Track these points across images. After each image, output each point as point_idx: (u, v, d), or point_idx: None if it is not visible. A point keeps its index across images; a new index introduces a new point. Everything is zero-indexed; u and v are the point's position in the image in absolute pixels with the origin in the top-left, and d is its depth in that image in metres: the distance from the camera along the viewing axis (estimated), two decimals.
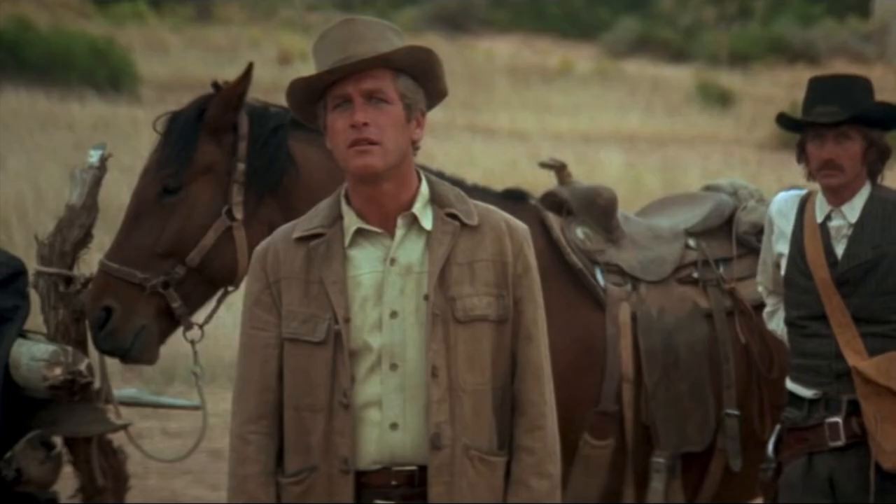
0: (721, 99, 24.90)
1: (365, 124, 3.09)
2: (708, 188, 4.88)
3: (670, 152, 18.76)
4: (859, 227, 4.06)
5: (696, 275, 4.51)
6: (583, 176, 5.02)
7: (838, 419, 4.01)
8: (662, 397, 4.36)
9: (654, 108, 24.02)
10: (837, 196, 4.09)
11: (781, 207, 4.20)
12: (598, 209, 4.53)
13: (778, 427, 4.19)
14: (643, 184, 15.02)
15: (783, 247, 4.17)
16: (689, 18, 37.08)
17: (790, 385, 4.13)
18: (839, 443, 4.01)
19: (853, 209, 4.08)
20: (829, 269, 4.05)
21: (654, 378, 4.36)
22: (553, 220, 4.49)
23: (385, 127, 3.10)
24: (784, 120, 4.14)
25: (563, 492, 4.33)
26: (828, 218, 4.10)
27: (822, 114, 4.02)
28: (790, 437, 4.11)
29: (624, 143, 19.77)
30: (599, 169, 15.58)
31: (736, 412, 4.42)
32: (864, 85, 4.09)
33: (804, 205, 4.16)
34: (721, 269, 4.52)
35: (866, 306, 4.02)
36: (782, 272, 4.17)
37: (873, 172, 4.09)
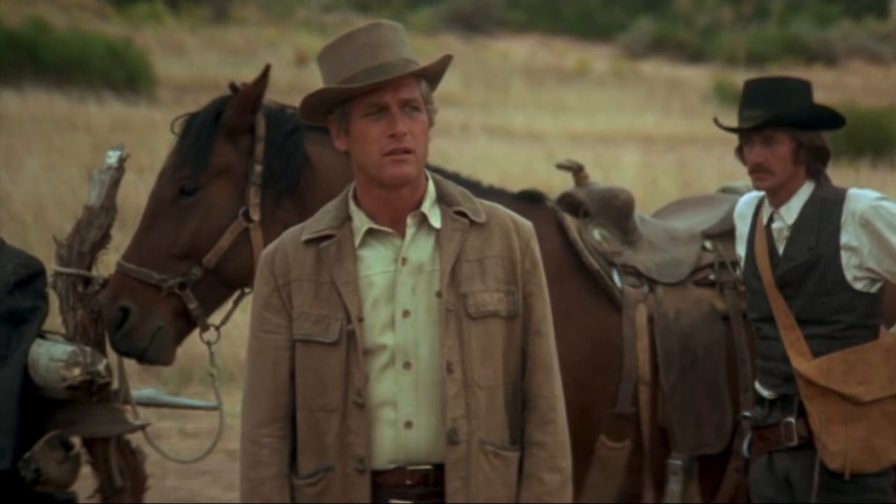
0: (738, 100, 24.82)
1: (404, 134, 3.12)
2: (724, 190, 4.88)
3: (687, 153, 18.73)
4: (796, 228, 4.10)
5: (712, 277, 4.51)
6: (599, 177, 5.02)
7: (792, 419, 4.07)
8: (679, 399, 4.36)
9: (670, 109, 23.99)
10: (775, 197, 4.14)
11: (742, 210, 4.28)
12: (615, 211, 4.53)
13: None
14: (659, 184, 15.00)
15: (741, 249, 4.24)
16: (705, 19, 37.04)
17: (756, 385, 4.20)
18: (793, 443, 4.07)
19: (790, 211, 4.11)
20: (773, 271, 4.08)
21: (671, 380, 4.36)
22: (570, 221, 4.49)
23: (418, 135, 3.15)
24: (718, 124, 4.22)
25: (580, 493, 4.35)
26: (771, 219, 4.15)
27: (746, 118, 4.10)
28: (755, 435, 4.19)
29: (640, 143, 19.75)
30: (616, 170, 15.57)
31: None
32: (793, 86, 4.13)
33: (759, 207, 4.19)
34: (737, 272, 4.51)
35: (808, 307, 4.06)
36: (740, 274, 4.25)
37: (814, 172, 4.11)
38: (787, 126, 4.06)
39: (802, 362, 4.03)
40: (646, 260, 4.48)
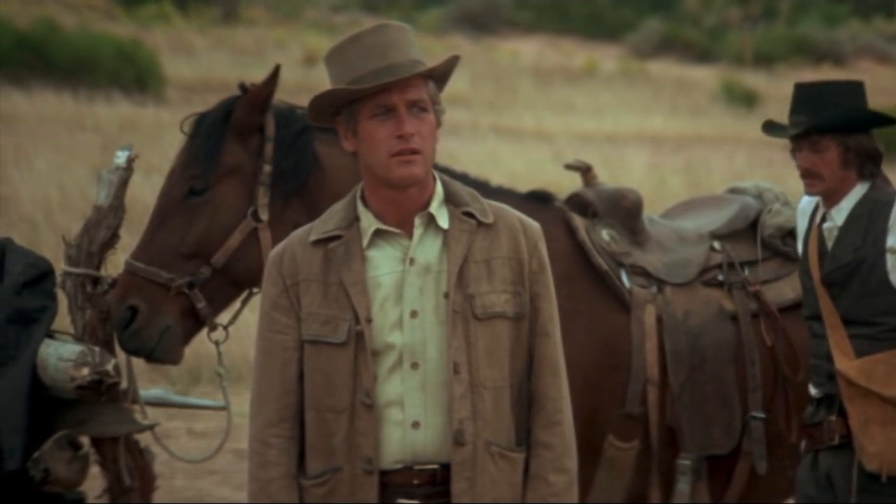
0: (746, 99, 24.85)
1: (412, 135, 3.12)
2: (733, 191, 4.88)
3: (695, 153, 18.73)
4: (844, 229, 4.10)
5: (721, 277, 4.51)
6: (607, 177, 5.02)
7: (835, 418, 4.07)
8: (688, 399, 4.36)
9: (678, 109, 23.98)
10: (827, 199, 4.14)
11: (803, 207, 4.29)
12: (624, 211, 4.53)
13: None
14: (668, 184, 15.00)
15: (801, 246, 4.23)
16: (713, 19, 37.02)
17: (809, 384, 4.19)
18: (834, 441, 4.07)
19: (840, 212, 4.11)
20: (820, 271, 4.08)
21: (679, 380, 4.36)
22: (578, 221, 4.50)
23: (426, 136, 3.15)
24: (765, 129, 4.22)
25: (587, 493, 4.36)
26: (823, 219, 4.15)
27: (793, 124, 4.10)
28: (805, 433, 4.19)
29: (648, 143, 19.75)
30: (624, 170, 15.57)
31: (762, 415, 4.41)
32: (840, 90, 4.11)
33: (818, 205, 4.20)
34: (746, 272, 4.51)
35: (853, 308, 4.05)
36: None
37: (867, 174, 4.10)
38: (837, 130, 4.05)
39: (845, 362, 4.02)
40: (654, 260, 4.48)
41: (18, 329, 4.08)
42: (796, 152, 4.12)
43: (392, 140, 3.14)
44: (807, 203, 4.26)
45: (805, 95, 4.10)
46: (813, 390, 4.14)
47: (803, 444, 4.23)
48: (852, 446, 4.04)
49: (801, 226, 4.25)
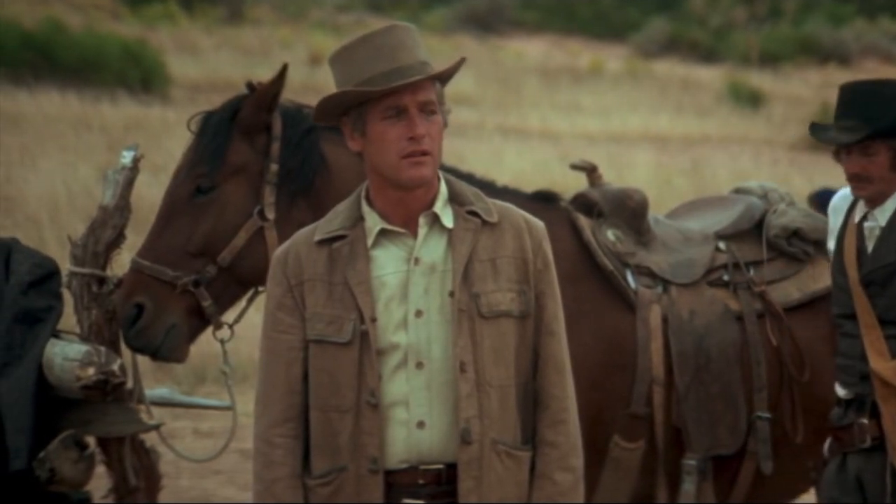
0: (751, 99, 24.84)
1: (423, 136, 3.14)
2: (738, 191, 4.88)
3: (700, 153, 18.72)
4: (888, 229, 4.09)
5: (726, 277, 4.51)
6: (612, 177, 5.02)
7: (865, 420, 4.05)
8: (693, 400, 4.36)
9: (684, 109, 23.96)
10: (872, 201, 4.13)
11: (837, 204, 4.28)
12: (629, 211, 4.53)
13: None
14: (673, 184, 15.00)
15: (832, 243, 4.23)
16: (719, 19, 36.98)
17: (836, 385, 4.17)
18: (865, 444, 4.05)
19: (884, 212, 4.11)
20: (859, 269, 4.07)
21: (685, 380, 4.36)
22: (584, 222, 4.50)
23: (435, 137, 3.17)
24: (813, 132, 4.19)
25: (593, 493, 4.36)
26: (864, 218, 4.15)
27: (842, 128, 4.07)
28: (832, 436, 4.16)
29: (654, 143, 19.75)
30: (629, 169, 15.57)
31: (767, 415, 4.41)
32: (889, 93, 4.08)
33: (854, 203, 4.19)
34: (751, 272, 4.51)
35: (891, 308, 4.04)
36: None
37: None
38: (886, 136, 4.03)
39: (880, 362, 4.01)
40: (659, 260, 4.49)
41: (24, 329, 4.08)
42: (843, 155, 4.10)
43: (403, 141, 3.15)
44: (840, 199, 4.26)
45: (853, 98, 4.07)
46: (841, 391, 4.11)
47: (826, 446, 4.21)
48: (884, 448, 4.01)
49: (833, 223, 4.24)
